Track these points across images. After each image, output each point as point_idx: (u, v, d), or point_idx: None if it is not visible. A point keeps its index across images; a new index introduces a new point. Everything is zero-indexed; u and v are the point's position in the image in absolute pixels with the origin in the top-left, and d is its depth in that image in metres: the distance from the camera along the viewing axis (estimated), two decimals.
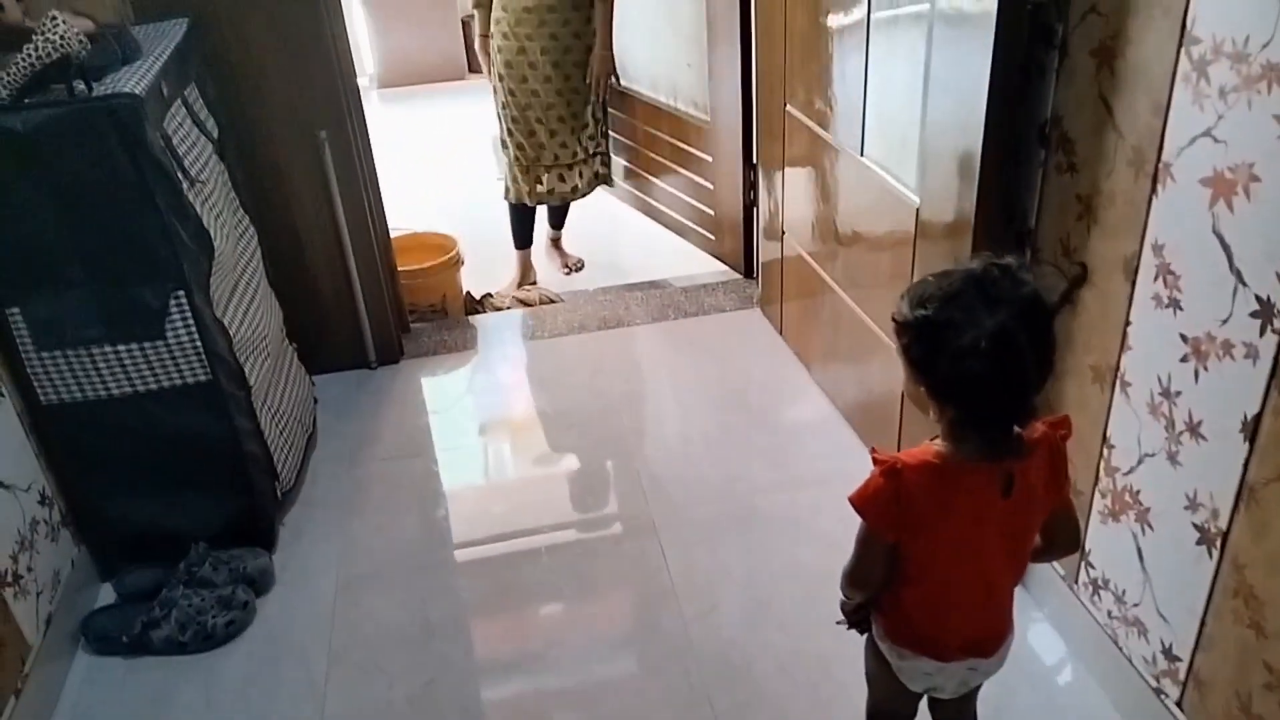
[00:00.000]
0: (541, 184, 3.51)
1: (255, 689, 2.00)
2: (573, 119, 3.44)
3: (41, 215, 1.92)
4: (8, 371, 2.04)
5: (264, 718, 1.94)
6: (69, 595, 2.13)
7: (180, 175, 2.04)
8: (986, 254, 1.16)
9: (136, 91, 1.90)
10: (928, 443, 1.25)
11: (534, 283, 3.75)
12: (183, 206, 2.02)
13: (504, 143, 3.51)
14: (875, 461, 1.24)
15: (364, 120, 2.90)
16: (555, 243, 3.91)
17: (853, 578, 1.32)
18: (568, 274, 3.83)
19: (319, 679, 2.01)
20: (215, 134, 2.38)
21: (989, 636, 1.33)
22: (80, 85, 1.89)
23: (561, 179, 3.53)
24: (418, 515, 2.49)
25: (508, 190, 3.57)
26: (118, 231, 1.96)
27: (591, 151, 3.57)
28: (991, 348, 1.08)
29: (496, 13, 3.30)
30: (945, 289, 1.13)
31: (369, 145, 2.93)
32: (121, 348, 2.04)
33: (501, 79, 3.37)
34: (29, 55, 1.84)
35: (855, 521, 1.28)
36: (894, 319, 1.19)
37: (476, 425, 2.92)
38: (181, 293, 2.03)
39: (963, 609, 1.31)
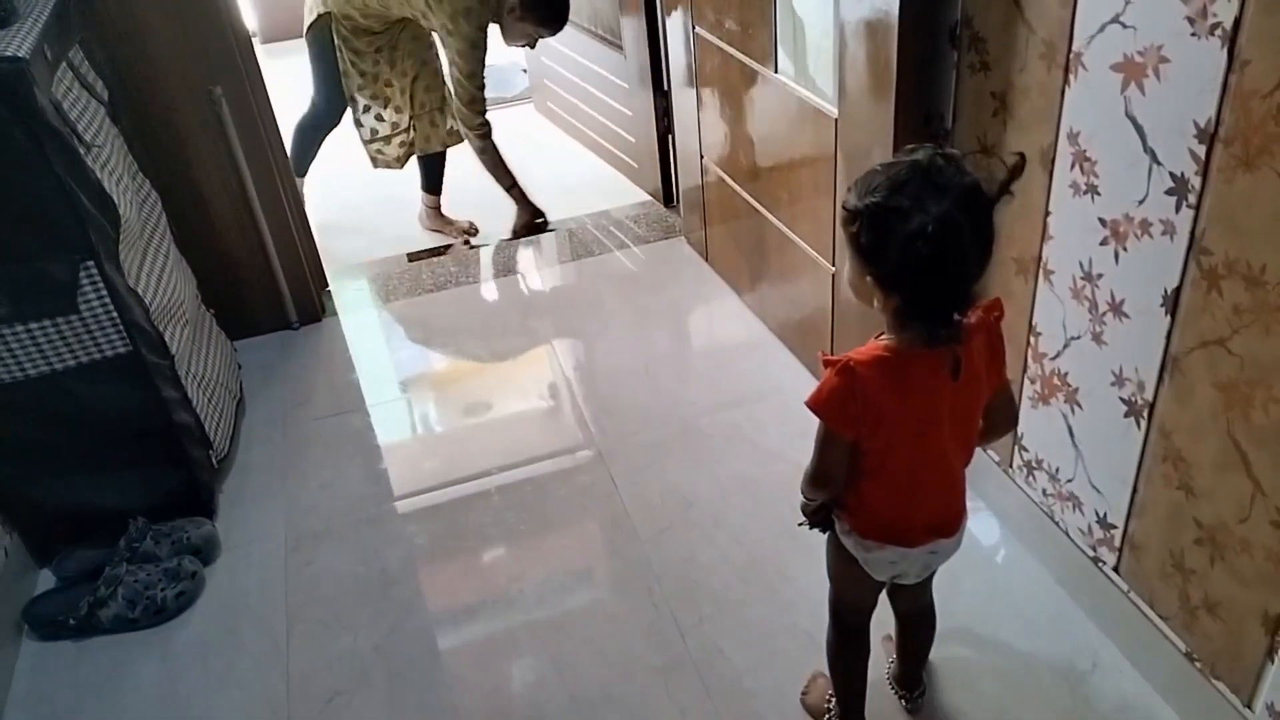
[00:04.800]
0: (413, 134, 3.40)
1: (215, 656, 1.98)
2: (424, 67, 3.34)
3: None
4: None
5: (228, 682, 1.92)
6: (5, 585, 2.06)
7: (76, 141, 1.94)
8: (930, 145, 1.19)
9: (20, 54, 1.80)
10: (873, 340, 1.29)
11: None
12: (83, 173, 1.93)
13: (359, 122, 3.34)
14: (826, 363, 1.27)
15: (260, 74, 2.79)
16: (437, 210, 3.63)
17: (815, 479, 1.36)
18: (465, 243, 3.52)
19: (280, 639, 2.00)
20: (106, 96, 2.27)
21: (949, 517, 1.39)
22: None
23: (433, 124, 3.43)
24: (360, 469, 2.47)
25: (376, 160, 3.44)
26: (16, 204, 1.86)
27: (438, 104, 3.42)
28: (937, 232, 1.10)
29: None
30: (893, 177, 1.15)
31: (268, 99, 2.82)
32: (34, 325, 1.95)
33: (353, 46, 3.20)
34: None
35: (797, 431, 1.32)
36: (843, 207, 1.20)
37: (409, 376, 2.88)
38: (91, 263, 1.95)
39: (923, 494, 1.36)
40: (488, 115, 3.25)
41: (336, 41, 3.20)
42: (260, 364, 2.86)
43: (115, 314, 2.00)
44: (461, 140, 3.40)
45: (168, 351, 2.16)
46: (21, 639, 2.05)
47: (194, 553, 2.16)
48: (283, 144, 2.90)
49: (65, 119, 1.94)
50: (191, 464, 2.24)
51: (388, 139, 3.40)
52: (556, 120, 4.27)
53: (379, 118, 3.35)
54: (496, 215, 3.56)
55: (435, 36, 3.23)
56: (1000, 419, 1.42)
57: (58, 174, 1.87)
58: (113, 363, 2.05)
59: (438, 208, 3.62)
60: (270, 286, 2.94)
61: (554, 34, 3.20)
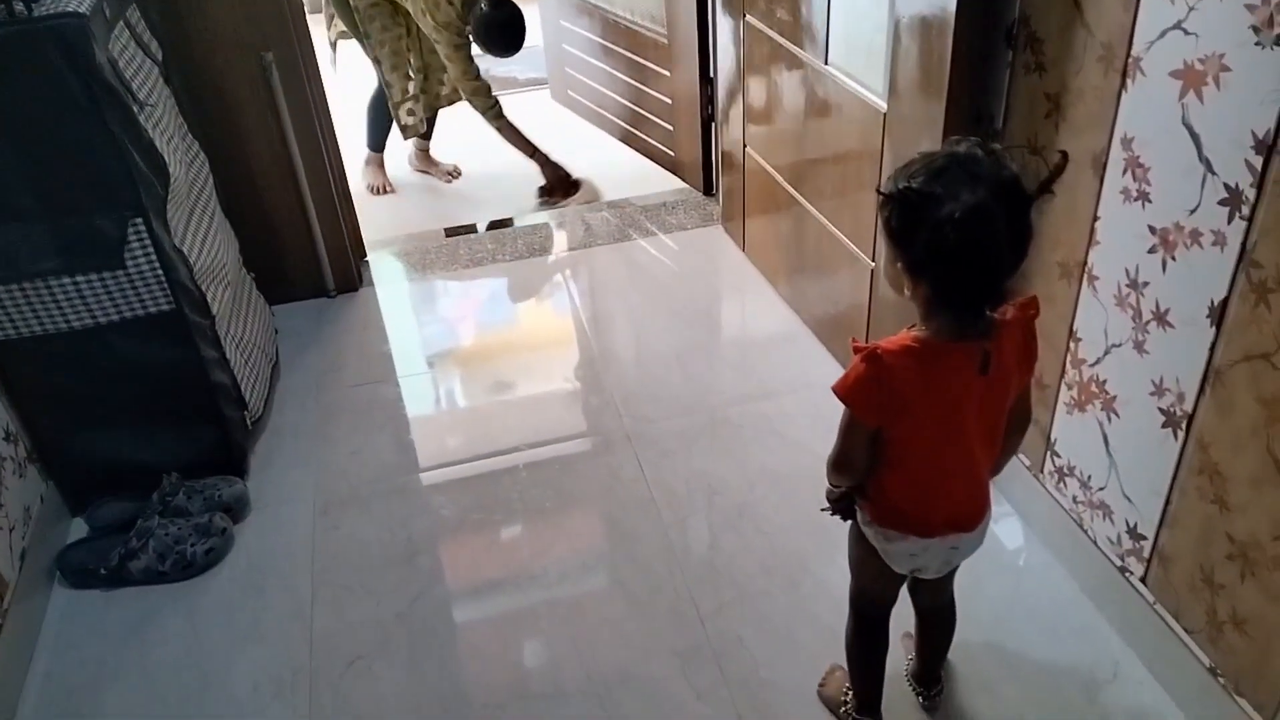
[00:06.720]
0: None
1: (241, 613, 2.01)
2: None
3: None
4: None
5: (252, 640, 1.95)
6: (41, 530, 2.11)
7: (130, 99, 1.97)
8: (974, 137, 1.18)
9: (81, 11, 1.82)
10: (904, 330, 1.28)
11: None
12: (136, 131, 1.95)
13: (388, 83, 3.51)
14: (855, 350, 1.27)
15: (311, 42, 2.81)
16: (426, 153, 3.91)
17: (838, 464, 1.36)
18: (449, 182, 3.85)
19: (304, 601, 2.03)
20: (160, 56, 2.30)
21: (971, 513, 1.39)
22: (20, 6, 1.80)
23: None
24: (390, 438, 2.49)
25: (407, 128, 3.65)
26: (70, 159, 1.90)
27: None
28: (967, 220, 1.10)
29: None
30: (930, 165, 1.15)
31: (317, 68, 2.85)
32: (80, 279, 1.99)
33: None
34: None
35: (826, 426, 1.32)
36: (878, 191, 1.21)
37: (440, 350, 2.90)
38: (139, 220, 1.98)
39: (945, 487, 1.36)
40: (495, 95, 3.49)
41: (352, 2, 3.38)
42: (296, 330, 2.89)
43: (160, 272, 2.03)
44: (457, 100, 3.66)
45: (209, 311, 2.19)
46: (53, 585, 2.09)
47: (225, 510, 2.19)
48: (329, 113, 2.93)
49: (121, 77, 1.96)
50: (226, 423, 2.27)
51: (417, 98, 3.58)
52: (577, 108, 4.25)
53: (408, 75, 3.52)
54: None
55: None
56: (1015, 419, 1.39)
57: (112, 130, 1.90)
58: (155, 319, 2.08)
59: (427, 150, 3.90)
60: (310, 254, 2.97)
61: (500, 58, 3.52)
